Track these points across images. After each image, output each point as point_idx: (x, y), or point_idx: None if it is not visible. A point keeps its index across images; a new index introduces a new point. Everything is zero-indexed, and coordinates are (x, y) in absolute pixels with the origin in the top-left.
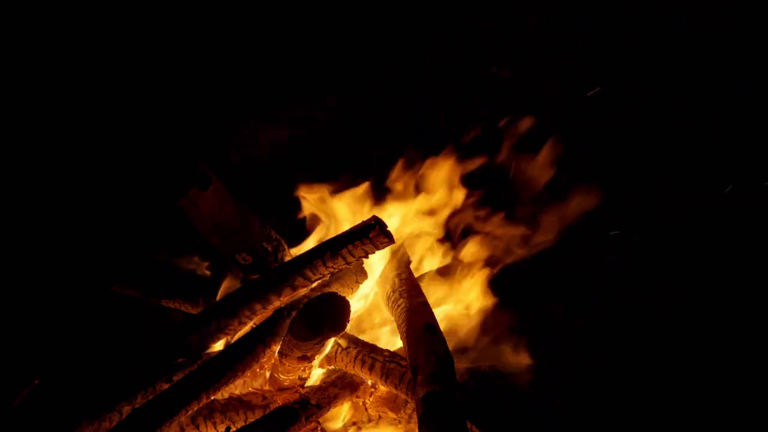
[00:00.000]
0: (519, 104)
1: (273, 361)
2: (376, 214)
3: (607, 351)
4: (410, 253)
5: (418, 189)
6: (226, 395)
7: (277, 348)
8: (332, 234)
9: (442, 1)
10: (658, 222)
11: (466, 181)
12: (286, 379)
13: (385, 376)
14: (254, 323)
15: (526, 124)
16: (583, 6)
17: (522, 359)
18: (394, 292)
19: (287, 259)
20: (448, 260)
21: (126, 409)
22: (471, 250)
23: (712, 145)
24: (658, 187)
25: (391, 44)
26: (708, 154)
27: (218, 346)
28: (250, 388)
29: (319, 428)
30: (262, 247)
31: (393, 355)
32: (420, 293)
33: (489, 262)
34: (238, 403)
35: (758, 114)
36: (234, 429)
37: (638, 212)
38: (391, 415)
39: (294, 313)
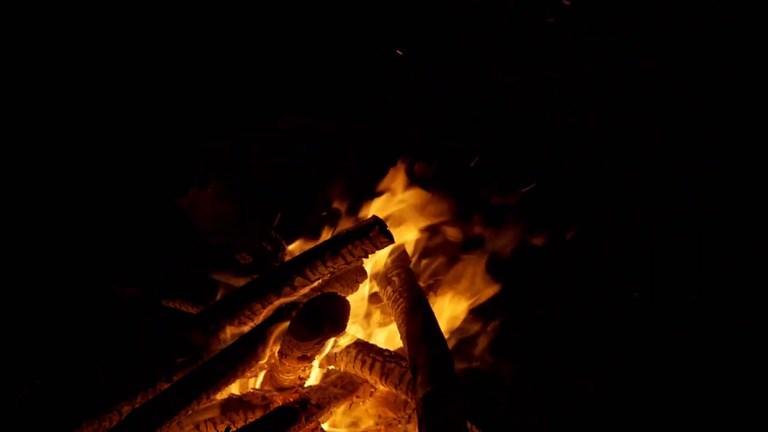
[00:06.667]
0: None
1: (273, 361)
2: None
3: (605, 351)
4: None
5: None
6: (226, 395)
7: (277, 348)
8: None
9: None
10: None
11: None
12: (286, 379)
13: (385, 376)
14: (254, 323)
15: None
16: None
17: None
18: (394, 292)
19: (287, 258)
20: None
21: (126, 409)
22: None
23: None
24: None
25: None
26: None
27: (218, 345)
28: (249, 388)
29: (318, 428)
30: (262, 247)
31: (393, 355)
32: (420, 293)
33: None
34: (238, 403)
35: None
36: (234, 429)
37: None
38: (391, 415)
39: (294, 313)
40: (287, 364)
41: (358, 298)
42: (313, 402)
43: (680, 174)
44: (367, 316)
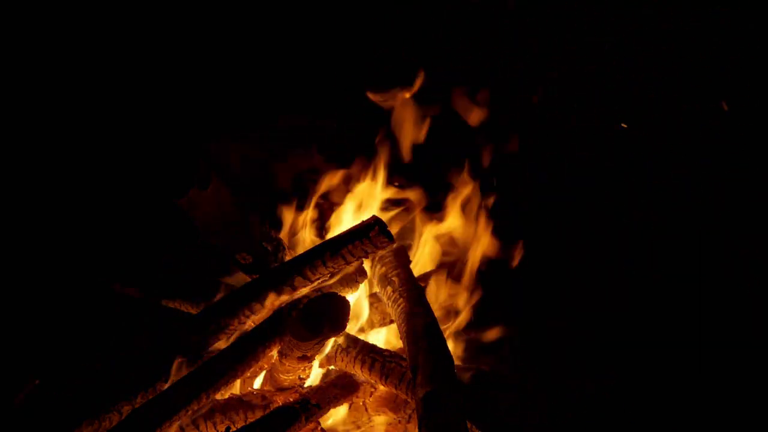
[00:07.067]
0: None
1: (273, 361)
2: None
3: (605, 351)
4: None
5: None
6: (226, 395)
7: (277, 348)
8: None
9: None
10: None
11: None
12: (286, 379)
13: (385, 376)
14: (254, 323)
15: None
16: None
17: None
18: (394, 292)
19: (287, 258)
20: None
21: (126, 409)
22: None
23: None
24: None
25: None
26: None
27: (218, 345)
28: (249, 388)
29: (318, 428)
30: (262, 247)
31: (393, 355)
32: (420, 293)
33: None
34: (238, 403)
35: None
36: (234, 429)
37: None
38: (391, 415)
39: (294, 313)
40: (287, 364)
41: (358, 298)
42: (313, 402)
43: (680, 174)
44: (367, 315)
